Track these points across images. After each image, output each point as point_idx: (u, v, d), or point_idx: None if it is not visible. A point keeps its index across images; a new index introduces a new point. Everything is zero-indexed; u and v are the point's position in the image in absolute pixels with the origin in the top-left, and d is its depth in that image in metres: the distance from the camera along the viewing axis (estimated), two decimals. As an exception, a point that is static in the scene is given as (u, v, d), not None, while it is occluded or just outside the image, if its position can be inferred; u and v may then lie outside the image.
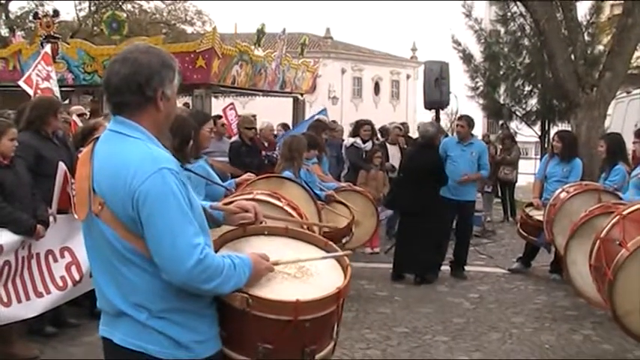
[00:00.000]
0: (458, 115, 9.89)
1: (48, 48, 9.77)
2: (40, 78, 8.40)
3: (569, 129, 12.23)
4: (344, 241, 6.91)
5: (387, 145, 11.05)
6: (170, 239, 2.17)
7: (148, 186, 2.18)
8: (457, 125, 8.77)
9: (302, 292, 2.37)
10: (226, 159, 8.88)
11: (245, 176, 5.70)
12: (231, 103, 11.62)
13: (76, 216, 5.56)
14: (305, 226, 4.36)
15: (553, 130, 16.09)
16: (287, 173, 6.31)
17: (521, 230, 8.46)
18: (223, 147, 9.10)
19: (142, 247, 2.22)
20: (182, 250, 2.17)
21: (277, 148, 9.93)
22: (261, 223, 2.71)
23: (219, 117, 10.23)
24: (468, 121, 8.87)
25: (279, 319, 2.31)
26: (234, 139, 9.77)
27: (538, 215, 7.94)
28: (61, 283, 5.59)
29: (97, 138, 2.40)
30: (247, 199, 3.46)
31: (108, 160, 2.28)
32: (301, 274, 2.52)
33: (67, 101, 11.35)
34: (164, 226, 2.17)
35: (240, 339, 2.37)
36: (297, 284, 2.46)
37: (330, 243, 2.77)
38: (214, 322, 2.38)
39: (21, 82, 8.50)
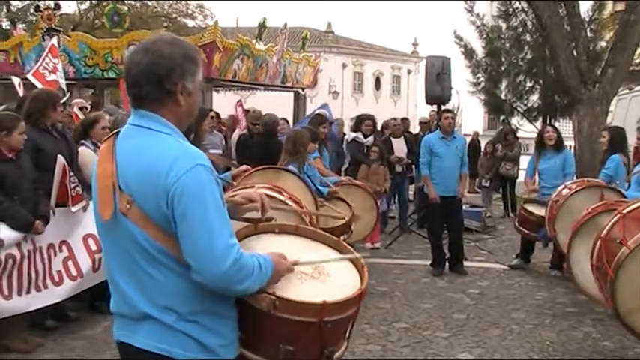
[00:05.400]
0: (444, 109, 9.63)
1: (55, 40, 9.64)
2: (47, 70, 8.36)
3: (569, 125, 12.23)
4: (342, 238, 6.89)
5: (391, 139, 11.10)
6: (207, 239, 2.07)
7: (185, 182, 2.07)
8: (445, 118, 8.51)
9: (325, 294, 2.32)
10: (218, 151, 9.20)
11: (243, 168, 5.69)
12: (239, 100, 11.67)
13: (73, 209, 5.57)
14: (309, 217, 4.35)
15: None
16: (291, 168, 6.28)
17: (521, 227, 8.45)
18: (215, 140, 9.37)
19: (172, 247, 2.12)
20: (220, 251, 2.08)
21: None
22: (269, 220, 2.63)
23: (210, 110, 10.42)
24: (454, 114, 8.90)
25: (303, 320, 2.26)
26: (243, 132, 10.28)
27: (539, 212, 7.92)
28: (57, 278, 5.58)
29: (117, 133, 2.28)
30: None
31: (136, 156, 2.16)
32: (318, 274, 2.47)
33: (68, 94, 11.33)
34: (201, 224, 2.07)
35: (261, 340, 2.31)
36: (317, 285, 2.42)
37: (342, 242, 2.73)
38: (235, 325, 2.30)
39: (30, 76, 8.47)
